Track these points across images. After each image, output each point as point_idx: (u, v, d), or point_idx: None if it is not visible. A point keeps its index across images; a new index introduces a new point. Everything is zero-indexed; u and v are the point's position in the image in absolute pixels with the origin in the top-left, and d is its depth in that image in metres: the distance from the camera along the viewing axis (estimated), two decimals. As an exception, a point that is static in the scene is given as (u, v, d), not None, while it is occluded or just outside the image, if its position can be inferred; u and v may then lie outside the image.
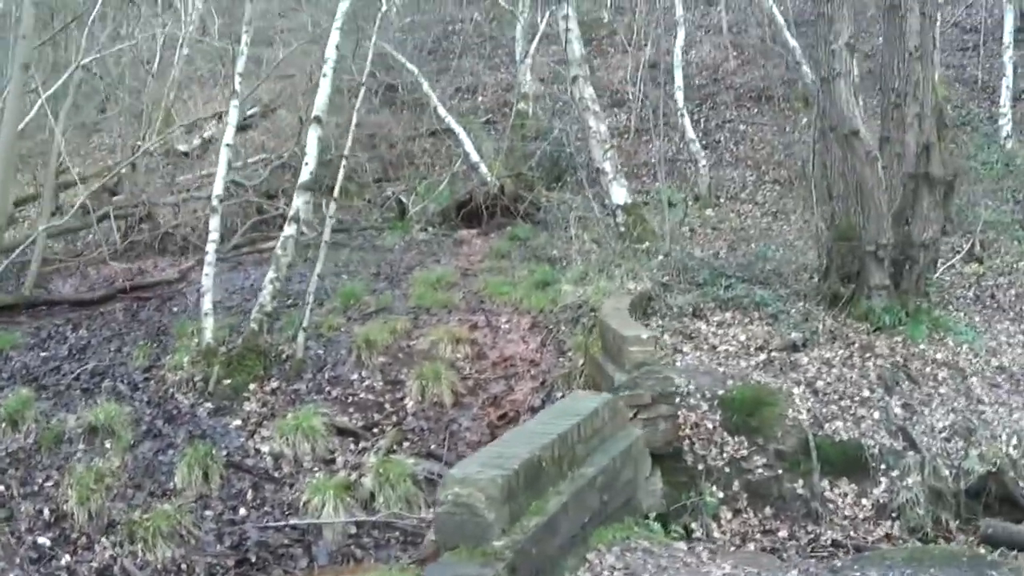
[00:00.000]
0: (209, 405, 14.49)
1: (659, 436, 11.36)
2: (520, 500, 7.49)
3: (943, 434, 12.42)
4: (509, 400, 14.31)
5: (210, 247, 15.89)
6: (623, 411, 10.86)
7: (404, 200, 23.69)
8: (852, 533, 11.42)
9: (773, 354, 14.21)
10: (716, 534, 11.49)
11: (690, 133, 25.01)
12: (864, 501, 11.79)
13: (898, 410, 12.88)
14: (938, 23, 20.72)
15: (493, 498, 7.04)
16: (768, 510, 11.77)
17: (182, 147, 26.63)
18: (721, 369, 13.62)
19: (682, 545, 9.74)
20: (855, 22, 16.28)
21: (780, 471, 12.01)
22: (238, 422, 14.17)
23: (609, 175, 19.79)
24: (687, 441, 12.13)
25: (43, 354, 16.17)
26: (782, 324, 15.02)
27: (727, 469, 11.95)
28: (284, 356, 15.49)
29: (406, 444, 13.71)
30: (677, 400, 12.37)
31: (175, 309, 18.16)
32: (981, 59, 28.40)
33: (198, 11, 30.73)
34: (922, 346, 14.47)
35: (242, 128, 28.70)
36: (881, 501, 11.72)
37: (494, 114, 29.00)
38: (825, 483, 11.96)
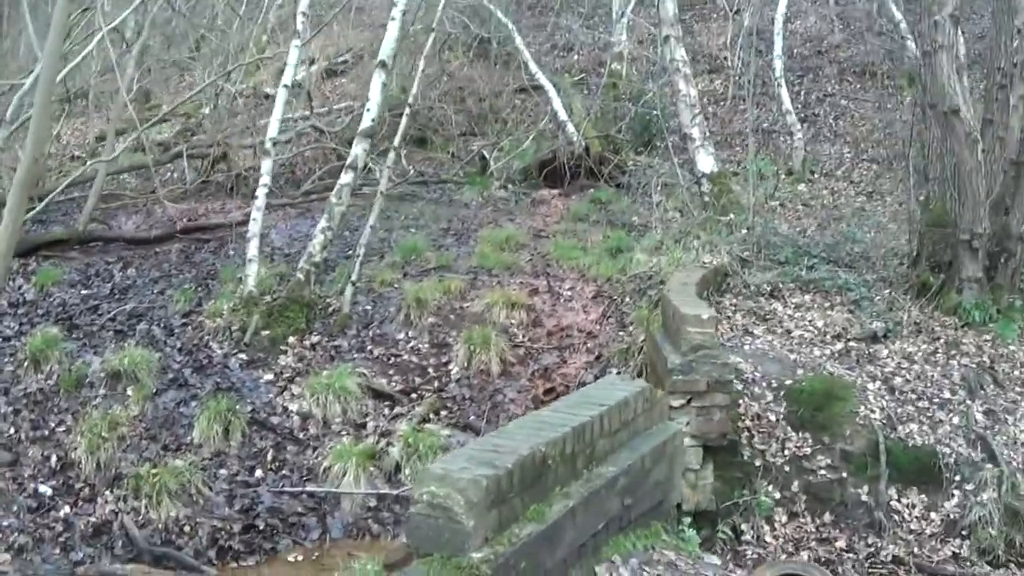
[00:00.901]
0: (243, 356, 13.41)
1: (714, 427, 10.00)
2: (513, 503, 6.25)
3: (1026, 447, 10.95)
4: (560, 373, 12.99)
5: (260, 191, 14.82)
6: (662, 401, 9.52)
7: (487, 155, 22.47)
8: (916, 550, 9.98)
9: (851, 344, 12.85)
10: (768, 538, 10.18)
11: (787, 104, 23.32)
12: (933, 515, 10.32)
13: (979, 416, 11.40)
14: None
15: (474, 502, 5.81)
16: (827, 516, 10.37)
17: (270, 90, 25.61)
18: (793, 356, 12.28)
19: (715, 560, 8.50)
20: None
21: (844, 474, 10.61)
22: (270, 376, 13.08)
23: (696, 141, 18.39)
24: (746, 433, 10.82)
25: (84, 292, 15.27)
26: (864, 312, 13.64)
27: (787, 468, 10.59)
28: (330, 309, 14.35)
29: (444, 413, 12.48)
30: (741, 387, 11.11)
31: (231, 253, 17.14)
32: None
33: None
34: (1012, 347, 12.90)
35: (331, 74, 27.87)
36: (952, 516, 10.24)
37: (589, 74, 27.45)
38: (892, 491, 10.53)
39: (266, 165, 14.95)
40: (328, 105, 25.11)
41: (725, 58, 26.98)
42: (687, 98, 18.50)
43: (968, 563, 9.88)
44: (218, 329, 13.93)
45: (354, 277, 14.29)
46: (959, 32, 13.92)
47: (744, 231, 16.42)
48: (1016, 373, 12.39)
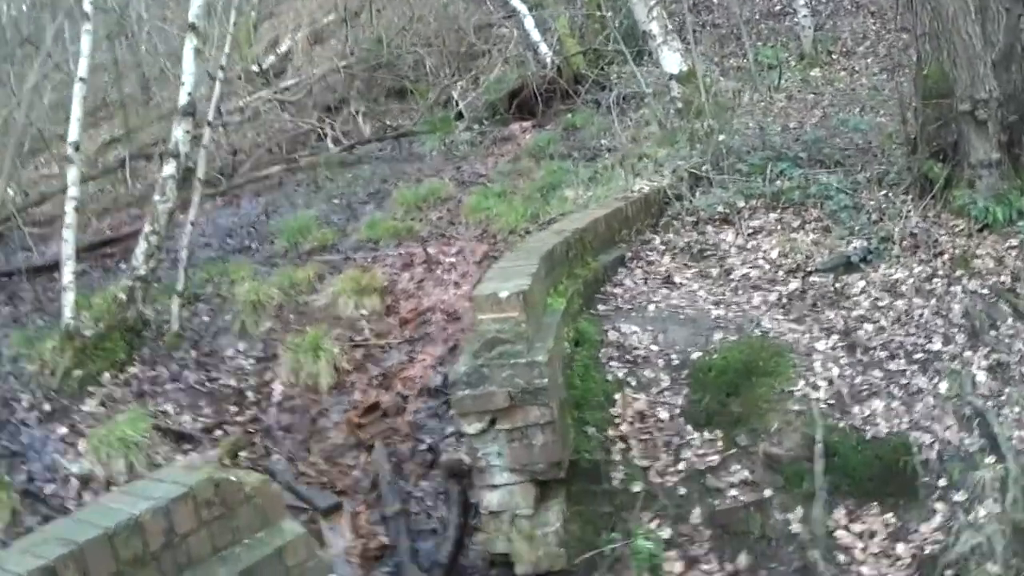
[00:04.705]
0: (47, 407, 9.77)
1: (537, 455, 6.17)
2: None
3: (1051, 422, 6.69)
4: (403, 377, 8.94)
5: (68, 205, 10.86)
6: (268, 498, 4.80)
7: (454, 96, 18.53)
8: (874, 605, 5.97)
9: (812, 279, 8.79)
10: (653, 603, 6.24)
11: (787, -26, 18.68)
12: (900, 547, 6.20)
13: (982, 375, 7.18)
14: None
15: None
16: (743, 559, 6.33)
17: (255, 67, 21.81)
18: (716, 312, 8.31)
19: None
20: None
21: (768, 492, 6.59)
22: (64, 430, 9.43)
23: (657, 38, 14.30)
24: (620, 445, 6.88)
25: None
26: (843, 227, 9.48)
27: (682, 490, 6.66)
28: (165, 330, 10.60)
29: (251, 450, 8.59)
30: (623, 373, 7.29)
31: (123, 267, 13.52)
32: None
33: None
34: (1049, 251, 8.60)
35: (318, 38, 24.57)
36: (927, 550, 6.11)
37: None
38: (840, 513, 6.47)
39: (72, 175, 10.94)
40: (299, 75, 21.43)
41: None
42: (641, -14, 14.36)
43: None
44: (36, 373, 10.31)
45: (179, 287, 10.47)
46: None
47: (720, 138, 12.17)
48: (1052, 294, 8.12)
